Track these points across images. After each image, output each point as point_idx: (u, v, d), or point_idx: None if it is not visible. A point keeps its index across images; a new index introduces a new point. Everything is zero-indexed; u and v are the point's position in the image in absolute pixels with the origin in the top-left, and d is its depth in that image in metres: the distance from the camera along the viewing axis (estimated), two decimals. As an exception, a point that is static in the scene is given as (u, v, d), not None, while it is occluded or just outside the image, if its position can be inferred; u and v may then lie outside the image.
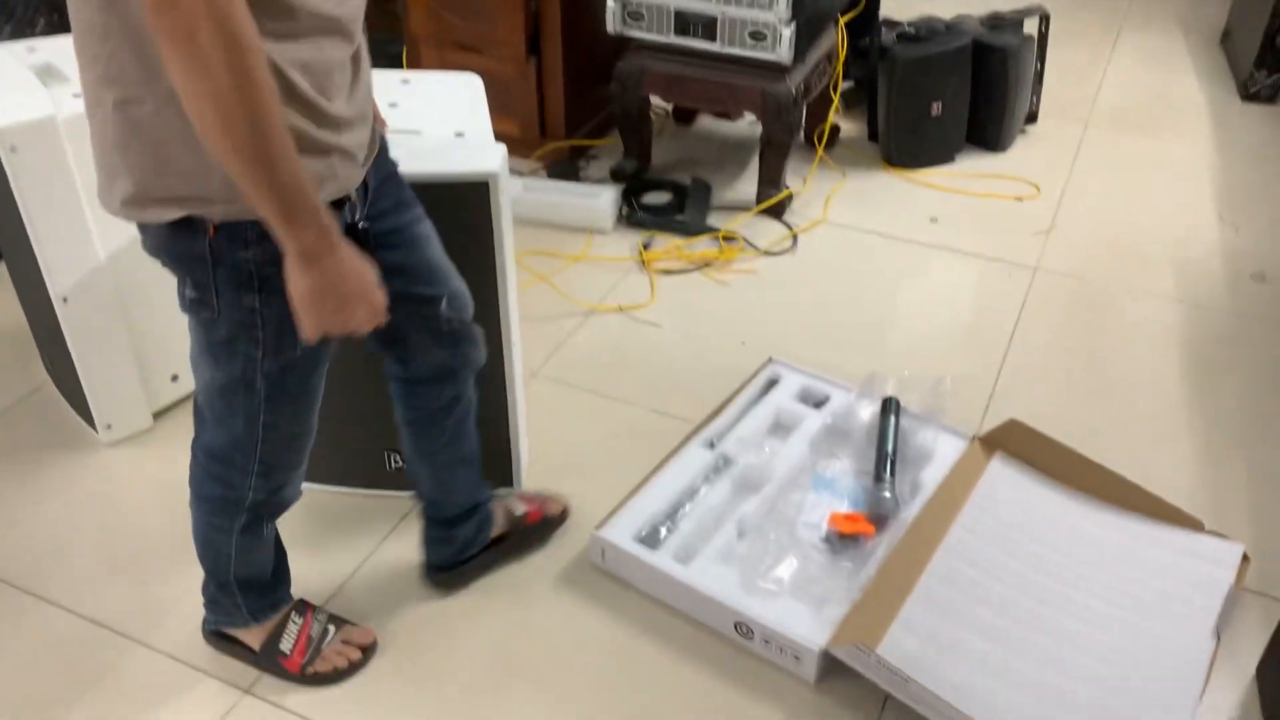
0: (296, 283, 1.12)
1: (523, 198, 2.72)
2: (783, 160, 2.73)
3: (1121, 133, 3.22)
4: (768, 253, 2.65)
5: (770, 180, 2.76)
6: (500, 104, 2.92)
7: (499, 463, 1.91)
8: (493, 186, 1.61)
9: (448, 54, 2.93)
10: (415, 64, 2.99)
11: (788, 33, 2.49)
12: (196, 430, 1.43)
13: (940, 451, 1.97)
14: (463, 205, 1.62)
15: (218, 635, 1.65)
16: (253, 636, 1.63)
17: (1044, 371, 2.28)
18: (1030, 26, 3.01)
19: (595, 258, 2.62)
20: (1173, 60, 3.70)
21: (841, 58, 2.86)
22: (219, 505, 1.46)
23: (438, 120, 1.76)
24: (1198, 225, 2.78)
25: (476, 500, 1.74)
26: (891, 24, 2.95)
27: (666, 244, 2.67)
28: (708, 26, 2.58)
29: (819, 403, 2.10)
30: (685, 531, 1.81)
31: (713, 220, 2.76)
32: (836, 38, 2.83)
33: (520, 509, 1.83)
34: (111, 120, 1.11)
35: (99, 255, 1.87)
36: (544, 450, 2.04)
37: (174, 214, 1.15)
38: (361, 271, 1.17)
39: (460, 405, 1.62)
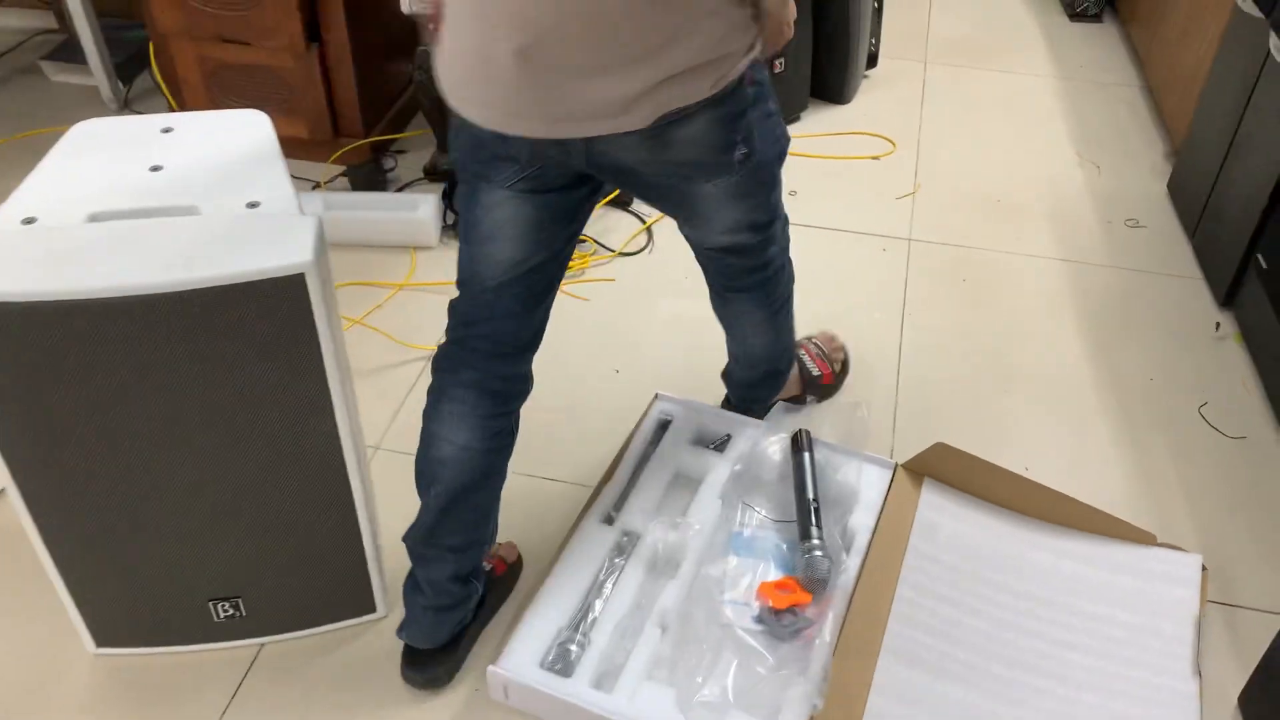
0: (787, 8, 1.35)
1: (327, 218, 2.27)
2: (624, 144, 2.40)
3: (962, 68, 3.04)
4: (623, 254, 2.34)
5: (612, 167, 2.43)
6: (281, 103, 2.47)
7: (352, 588, 1.56)
8: (310, 279, 1.23)
9: (207, 49, 2.42)
10: (167, 65, 2.47)
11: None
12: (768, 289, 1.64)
13: (865, 486, 1.74)
14: (267, 308, 1.23)
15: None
16: (794, 383, 1.91)
17: (943, 362, 2.08)
18: (863, -38, 2.77)
19: (425, 283, 2.24)
20: (992, -21, 3.56)
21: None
22: (789, 277, 1.70)
23: (219, 185, 1.35)
24: (1059, 167, 2.64)
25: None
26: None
27: (505, 255, 2.31)
28: (523, -1, 2.19)
29: (719, 444, 1.83)
30: (600, 645, 1.51)
31: (552, 219, 2.41)
32: None
33: (485, 565, 1.56)
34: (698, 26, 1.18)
35: None
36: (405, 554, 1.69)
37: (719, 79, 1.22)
38: None
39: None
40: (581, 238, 2.34)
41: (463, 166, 1.34)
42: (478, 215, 1.34)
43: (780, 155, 1.45)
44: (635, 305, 2.20)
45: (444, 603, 1.46)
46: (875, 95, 2.88)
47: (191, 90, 2.50)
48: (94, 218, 1.27)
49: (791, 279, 1.73)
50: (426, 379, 1.80)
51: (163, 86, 2.52)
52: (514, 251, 1.35)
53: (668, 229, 2.40)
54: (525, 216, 1.33)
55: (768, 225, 1.55)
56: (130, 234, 1.24)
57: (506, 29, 1.16)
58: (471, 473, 1.42)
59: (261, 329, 1.25)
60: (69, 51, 2.72)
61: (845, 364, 2.02)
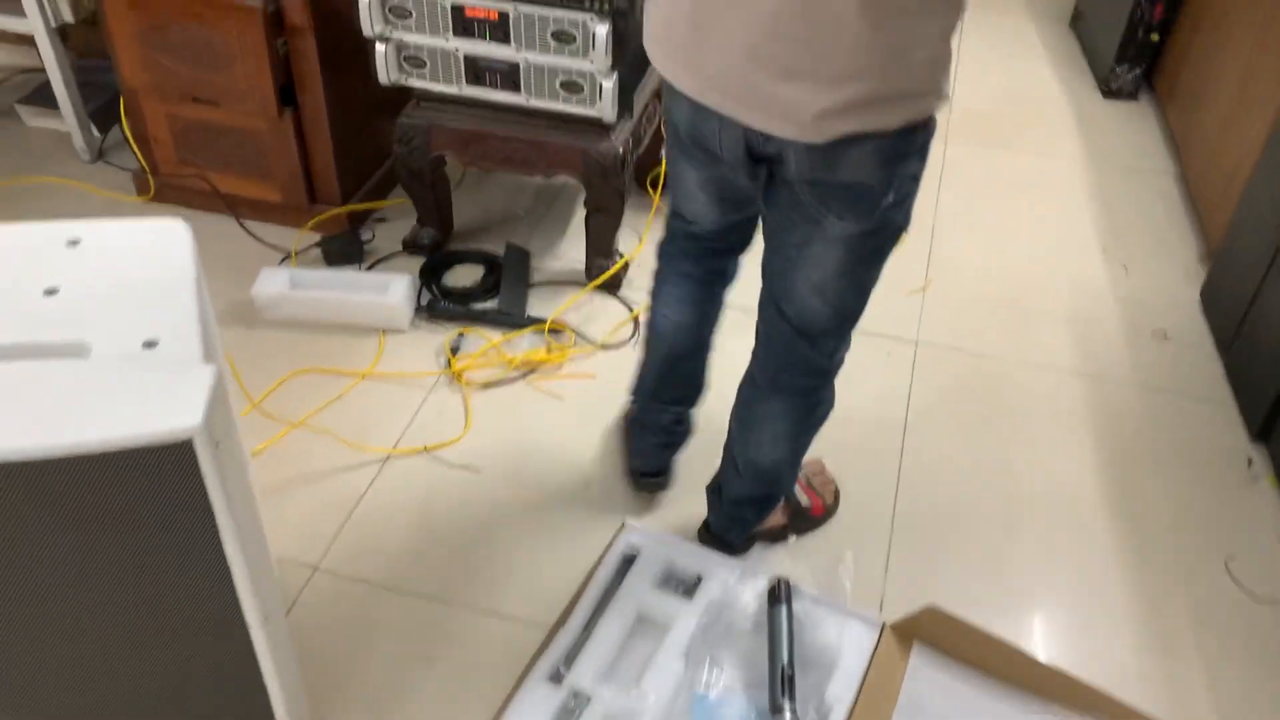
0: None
1: (290, 297, 2.14)
2: (614, 229, 2.24)
3: (984, 144, 2.87)
4: (605, 346, 2.17)
5: (601, 251, 2.27)
6: (254, 166, 2.33)
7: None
8: (199, 445, 1.07)
9: (176, 108, 2.28)
10: (137, 121, 2.33)
11: (609, 85, 1.99)
12: (815, 352, 1.49)
13: (847, 648, 1.56)
14: (150, 475, 1.08)
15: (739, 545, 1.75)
16: (779, 513, 1.77)
17: (945, 488, 1.91)
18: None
19: (390, 374, 2.08)
20: (1022, 45, 3.38)
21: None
22: (829, 405, 1.59)
23: (117, 316, 1.19)
24: (1084, 264, 2.46)
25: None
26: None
27: (480, 344, 2.15)
28: (508, 76, 2.04)
29: (689, 587, 1.66)
30: (534, 835, 1.35)
31: (535, 303, 2.26)
32: (665, 66, 2.34)
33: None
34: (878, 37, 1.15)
35: None
36: (337, 694, 1.53)
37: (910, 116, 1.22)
38: None
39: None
40: (560, 326, 2.21)
41: (670, 146, 1.49)
42: (681, 169, 1.48)
43: (900, 231, 1.37)
44: (614, 408, 2.03)
45: (665, 440, 1.84)
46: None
47: (161, 148, 2.37)
48: (-33, 354, 1.13)
49: (830, 407, 1.59)
50: (380, 488, 1.71)
51: (132, 143, 2.39)
52: (705, 213, 1.54)
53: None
54: (716, 180, 1.44)
55: (847, 315, 1.46)
56: (4, 380, 1.09)
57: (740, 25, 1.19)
58: (684, 343, 1.74)
59: (146, 497, 1.09)
60: (47, 95, 2.59)
61: (836, 496, 1.85)
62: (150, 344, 1.16)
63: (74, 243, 1.30)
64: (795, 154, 1.25)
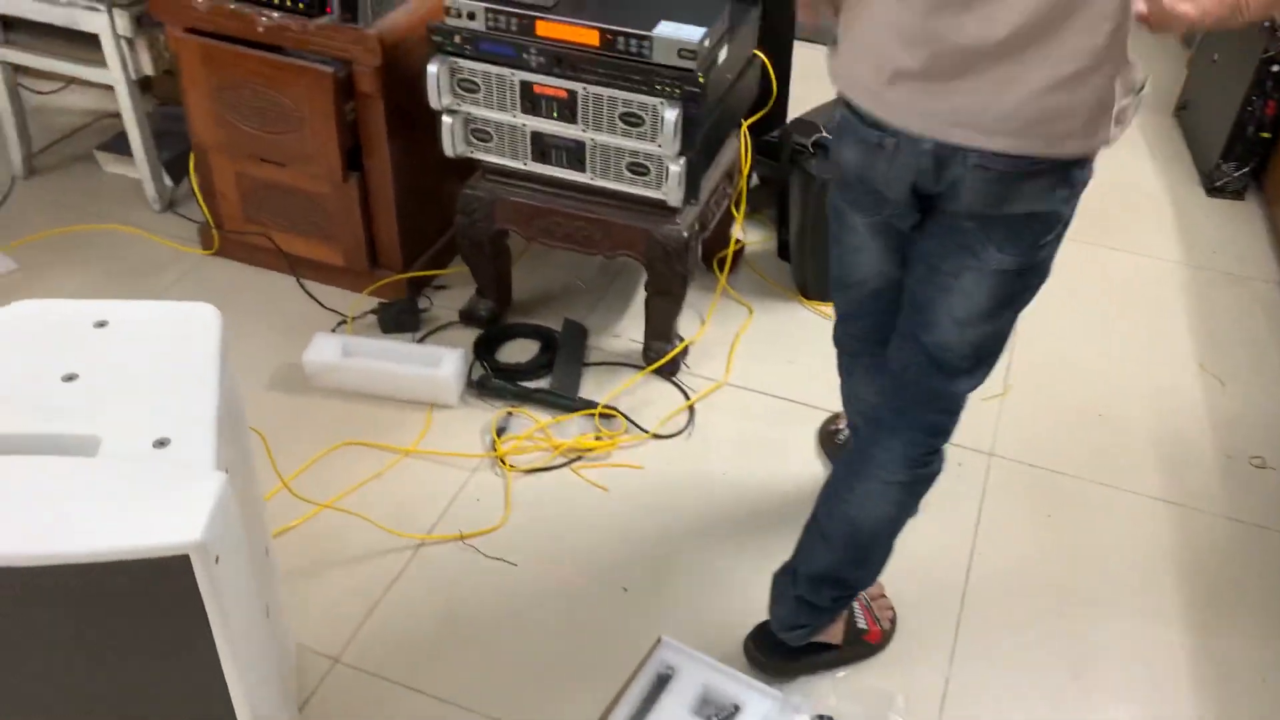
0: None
1: (343, 366, 2.10)
2: (675, 313, 2.16)
3: (1075, 241, 2.71)
4: (657, 436, 2.08)
5: (660, 333, 2.19)
6: (318, 228, 2.31)
7: None
8: (197, 561, 1.01)
9: (244, 166, 2.27)
10: (205, 176, 2.33)
11: (676, 169, 1.92)
12: (926, 411, 1.47)
13: (890, 803, 1.43)
14: (146, 588, 1.02)
15: (791, 653, 1.64)
16: (837, 627, 1.66)
17: (1009, 624, 1.76)
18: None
19: (433, 453, 2.02)
20: (1121, 134, 3.23)
21: (746, 171, 2.29)
22: (940, 465, 1.54)
23: (132, 410, 1.14)
24: (1177, 376, 2.30)
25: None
26: (805, 125, 2.39)
27: (528, 424, 2.08)
28: (573, 154, 1.98)
29: (726, 717, 1.54)
30: None
31: (589, 383, 2.18)
32: (739, 146, 2.27)
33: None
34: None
35: None
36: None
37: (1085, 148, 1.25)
38: None
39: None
40: (611, 412, 2.13)
41: (835, 197, 1.48)
42: (845, 234, 1.48)
43: (1045, 277, 1.38)
44: (662, 503, 1.94)
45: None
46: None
47: (227, 205, 2.36)
48: (-24, 443, 1.08)
49: (940, 471, 1.55)
50: (410, 576, 1.64)
51: (199, 197, 2.39)
52: (873, 266, 1.48)
53: (713, 408, 2.14)
54: (883, 225, 1.42)
55: (984, 355, 1.44)
56: (6, 476, 1.05)
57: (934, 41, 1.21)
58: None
59: (140, 604, 1.03)
60: (125, 142, 2.62)
61: (893, 624, 1.72)
62: (161, 443, 1.11)
63: (101, 324, 1.26)
64: (971, 185, 1.26)
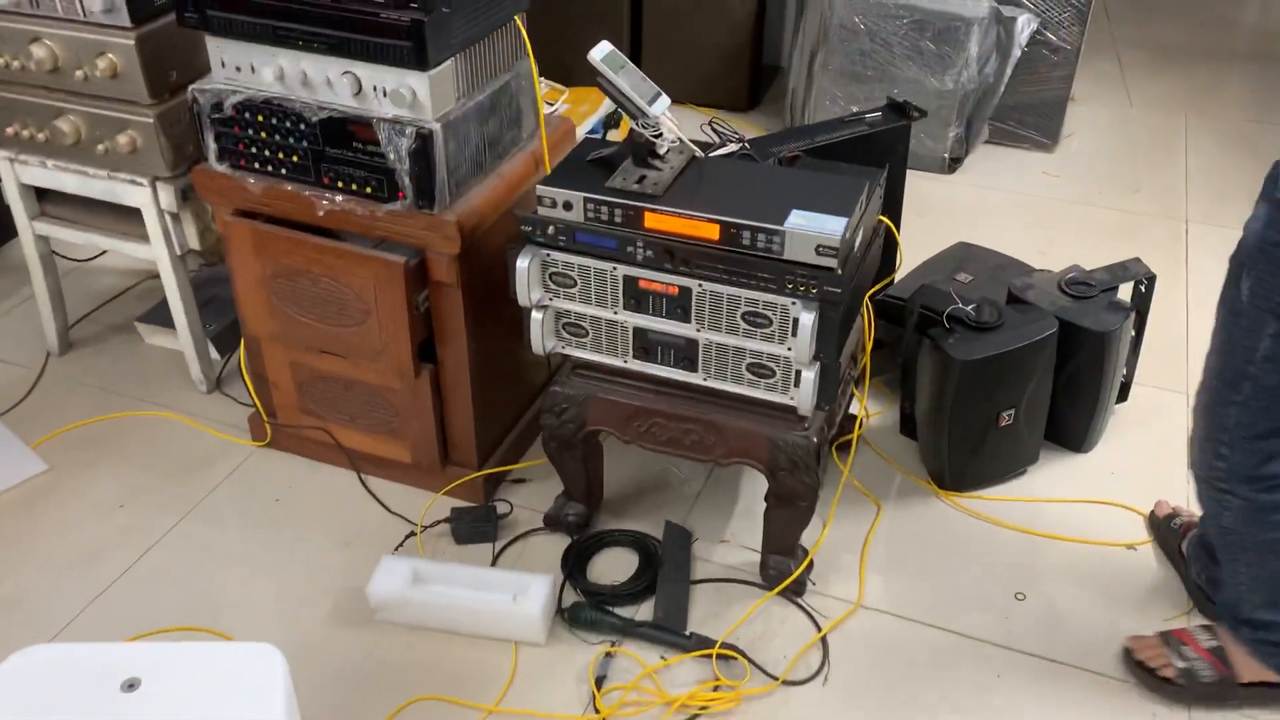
0: None
1: (412, 600, 1.79)
2: (801, 526, 1.84)
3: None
4: (788, 682, 1.75)
5: (781, 548, 1.87)
6: (383, 424, 2.02)
7: None
8: None
9: (301, 356, 2.01)
10: (257, 364, 2.07)
11: (811, 375, 1.62)
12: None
13: None
14: None
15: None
16: None
17: None
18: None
19: (520, 712, 1.70)
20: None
21: (869, 348, 1.99)
22: None
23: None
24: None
25: None
26: (935, 292, 2.09)
27: (631, 667, 1.76)
28: (682, 352, 1.70)
29: None
30: None
31: (698, 608, 1.86)
32: (863, 324, 1.97)
33: None
34: None
35: None
36: None
37: None
38: None
39: None
40: (730, 653, 1.81)
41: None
42: None
43: None
44: (801, 776, 1.60)
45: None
46: (1124, 442, 2.24)
47: (281, 394, 2.09)
48: None
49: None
50: None
51: (249, 386, 2.12)
52: None
53: (849, 639, 1.80)
54: None
55: None
56: None
57: None
58: None
59: None
60: (168, 312, 2.37)
61: None
62: None
63: (131, 685, 0.96)
64: None
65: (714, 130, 2.02)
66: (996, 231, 2.81)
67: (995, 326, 1.97)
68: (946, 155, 3.25)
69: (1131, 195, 3.20)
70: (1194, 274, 2.79)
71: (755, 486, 2.04)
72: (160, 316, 2.48)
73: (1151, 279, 2.12)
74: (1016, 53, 3.13)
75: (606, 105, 3.23)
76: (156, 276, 2.33)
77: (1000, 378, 1.97)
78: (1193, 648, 1.71)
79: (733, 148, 1.91)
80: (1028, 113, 3.37)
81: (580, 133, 2.74)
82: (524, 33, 1.87)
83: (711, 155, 1.83)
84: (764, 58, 3.69)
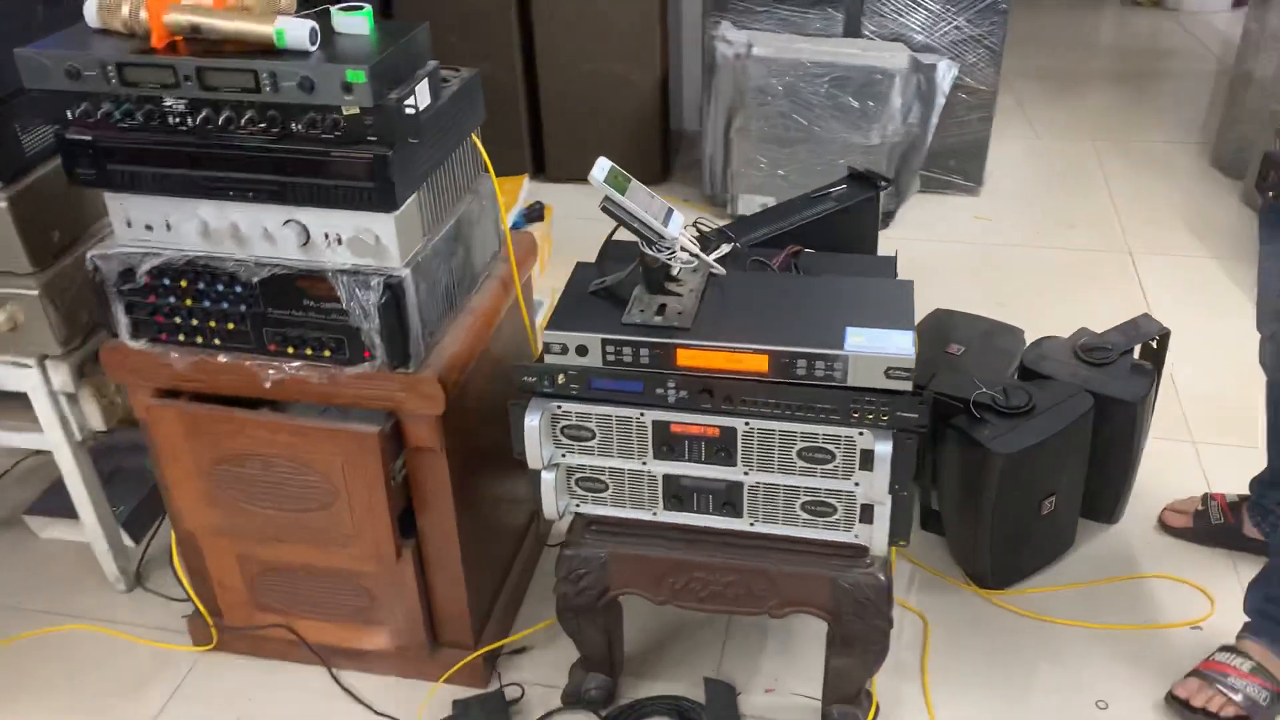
0: None
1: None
2: (871, 671, 1.63)
3: (1239, 450, 2.30)
4: None
5: (847, 696, 1.65)
6: (358, 613, 1.72)
7: None
8: None
9: (252, 549, 1.69)
10: (194, 560, 1.74)
11: (885, 508, 1.41)
12: None
13: None
14: None
15: None
16: None
17: None
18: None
19: None
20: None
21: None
22: None
23: None
24: None
25: None
26: (958, 378, 1.91)
27: None
28: (724, 497, 1.46)
29: None
30: None
31: (761, 779, 1.62)
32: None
33: None
34: None
35: None
36: None
37: None
38: None
39: None
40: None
41: None
42: None
43: None
44: None
45: None
46: (1150, 504, 2.09)
47: (229, 593, 1.77)
48: None
49: None
50: None
51: (185, 584, 1.79)
52: None
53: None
54: None
55: None
56: None
57: None
58: None
59: None
60: (63, 499, 2.00)
61: None
62: None
63: None
64: None
65: (698, 230, 1.80)
66: (949, 287, 2.68)
67: (1027, 410, 1.81)
68: (879, 211, 3.13)
69: (1067, 231, 3.15)
70: (1157, 309, 2.72)
71: (785, 619, 1.82)
72: (54, 505, 2.10)
73: (1166, 335, 2.00)
74: (940, 100, 3.04)
75: (525, 195, 3.00)
76: (40, 453, 1.96)
77: (1043, 465, 1.81)
78: (1235, 675, 1.67)
79: (725, 249, 1.70)
80: (950, 157, 3.29)
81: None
82: (480, 147, 1.63)
83: (708, 258, 1.61)
84: (669, 123, 3.52)
